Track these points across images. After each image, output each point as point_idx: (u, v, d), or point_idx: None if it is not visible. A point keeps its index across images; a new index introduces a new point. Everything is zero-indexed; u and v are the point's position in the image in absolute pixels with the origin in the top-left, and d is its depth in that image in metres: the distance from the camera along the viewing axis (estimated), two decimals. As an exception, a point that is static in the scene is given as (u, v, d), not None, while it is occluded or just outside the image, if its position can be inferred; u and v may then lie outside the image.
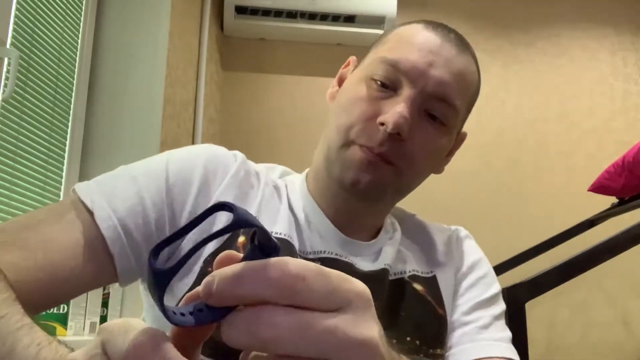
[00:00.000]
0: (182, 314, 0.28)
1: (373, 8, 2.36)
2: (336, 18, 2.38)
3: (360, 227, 0.68)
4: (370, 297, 0.30)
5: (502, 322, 0.68)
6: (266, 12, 2.36)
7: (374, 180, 0.61)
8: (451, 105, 0.62)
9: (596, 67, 2.76)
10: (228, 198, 0.62)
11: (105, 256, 0.56)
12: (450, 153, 0.71)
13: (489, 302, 0.68)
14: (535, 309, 2.25)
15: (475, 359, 0.62)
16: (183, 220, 0.60)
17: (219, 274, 0.27)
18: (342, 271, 0.62)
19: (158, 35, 1.68)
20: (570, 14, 2.81)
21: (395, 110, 0.59)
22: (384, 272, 0.65)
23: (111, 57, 1.66)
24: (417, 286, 0.67)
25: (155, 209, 0.58)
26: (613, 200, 1.92)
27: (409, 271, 0.68)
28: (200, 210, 0.57)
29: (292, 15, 2.37)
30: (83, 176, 1.56)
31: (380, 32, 2.42)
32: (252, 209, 0.63)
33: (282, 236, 0.62)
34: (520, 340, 1.10)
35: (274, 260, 0.27)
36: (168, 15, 1.69)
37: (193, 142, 1.99)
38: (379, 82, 0.62)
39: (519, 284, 1.16)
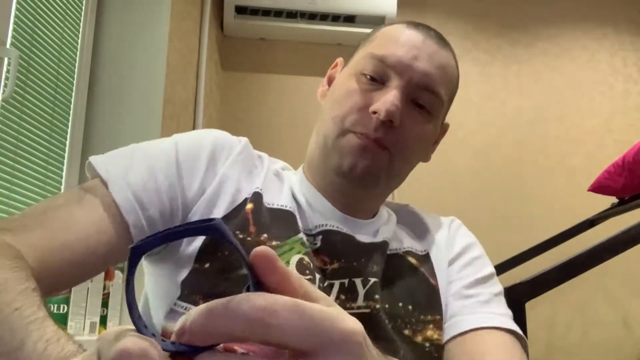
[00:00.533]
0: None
1: (373, 8, 2.36)
2: (336, 18, 2.38)
3: (357, 210, 0.71)
4: (362, 339, 0.26)
5: (502, 300, 0.71)
6: (266, 12, 2.36)
7: (370, 165, 0.65)
8: (436, 94, 0.68)
9: (596, 67, 2.76)
10: (234, 173, 0.67)
11: (122, 225, 0.59)
12: (436, 142, 0.77)
13: (486, 279, 0.71)
14: (535, 309, 2.25)
15: (477, 327, 0.64)
16: (191, 194, 0.65)
17: (192, 312, 0.26)
18: (344, 241, 0.61)
19: (158, 35, 1.68)
20: (570, 14, 2.81)
21: (387, 98, 0.64)
22: (384, 243, 0.69)
23: (111, 57, 1.66)
24: (412, 259, 0.72)
25: (167, 184, 0.63)
26: (613, 200, 1.92)
27: (405, 248, 0.73)
28: (207, 185, 0.66)
29: (292, 15, 2.37)
30: (83, 176, 1.56)
31: (380, 32, 2.42)
32: (256, 183, 0.68)
33: (286, 208, 0.68)
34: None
35: (243, 295, 0.25)
36: (168, 15, 1.69)
37: (193, 142, 1.99)
38: (368, 77, 0.67)
39: (519, 284, 1.16)
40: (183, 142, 0.68)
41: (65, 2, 1.50)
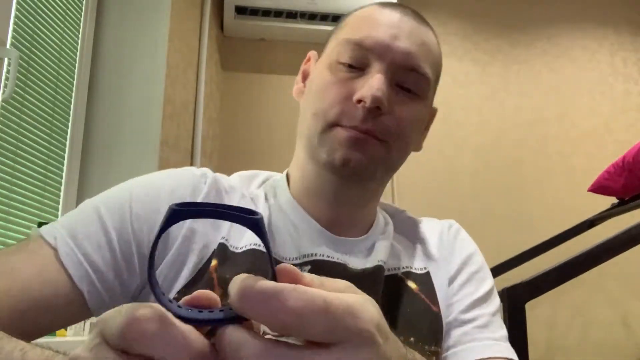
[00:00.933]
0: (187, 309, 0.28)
1: (373, 8, 2.36)
2: (336, 18, 2.38)
3: (351, 222, 0.66)
4: (376, 332, 0.28)
5: (499, 319, 0.67)
6: (266, 12, 2.36)
7: (365, 158, 0.60)
8: (422, 74, 0.62)
9: (596, 68, 2.76)
10: (199, 225, 0.60)
11: (74, 293, 0.54)
12: (425, 128, 0.71)
13: (484, 299, 0.68)
14: (535, 309, 2.25)
15: (478, 359, 0.62)
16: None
17: (245, 284, 0.26)
18: (334, 272, 0.54)
19: (158, 35, 1.68)
20: (570, 14, 2.81)
21: (371, 84, 0.58)
22: (378, 269, 0.64)
23: (111, 57, 1.66)
24: (411, 284, 0.66)
25: (121, 241, 0.57)
26: (613, 200, 1.92)
27: (403, 267, 0.67)
28: (170, 244, 0.58)
29: (292, 15, 2.38)
30: (83, 176, 1.56)
31: (380, 32, 2.42)
32: (222, 230, 0.61)
33: (256, 247, 0.60)
34: (520, 341, 1.10)
35: (277, 290, 0.26)
36: (168, 15, 1.69)
37: (193, 142, 1.99)
38: (346, 64, 0.61)
39: (519, 284, 1.15)
40: (138, 191, 0.60)
41: (65, 2, 1.50)
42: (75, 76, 1.57)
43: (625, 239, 1.24)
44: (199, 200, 0.61)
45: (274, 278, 0.28)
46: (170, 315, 0.26)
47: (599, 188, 1.87)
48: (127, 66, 1.66)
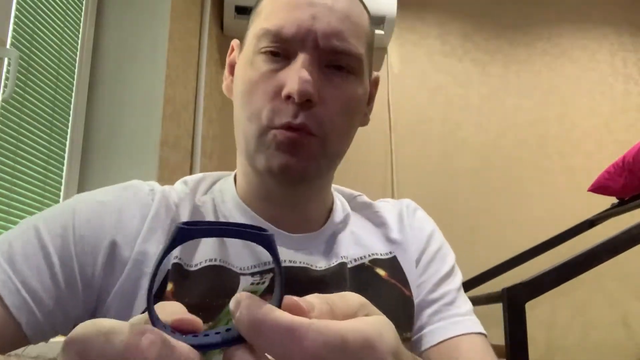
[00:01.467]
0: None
1: (373, 8, 2.34)
2: (336, 18, 2.37)
3: (304, 218, 0.64)
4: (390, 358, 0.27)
5: (462, 294, 0.68)
6: (266, 12, 2.35)
7: (303, 160, 0.56)
8: (350, 52, 0.58)
9: (596, 68, 2.76)
10: (151, 246, 0.56)
11: (9, 323, 0.49)
12: (370, 99, 0.67)
13: (448, 275, 0.68)
14: (535, 309, 2.25)
15: (447, 338, 0.62)
16: (96, 274, 0.54)
17: (254, 309, 0.25)
18: (297, 277, 0.52)
19: (158, 35, 1.68)
20: (570, 14, 2.81)
21: (297, 77, 0.54)
22: (341, 267, 0.62)
23: (111, 57, 1.66)
24: (380, 271, 0.65)
25: (62, 264, 0.52)
26: (613, 200, 1.92)
27: (369, 255, 0.65)
28: (118, 270, 0.54)
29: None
30: (83, 176, 1.56)
31: (380, 32, 2.42)
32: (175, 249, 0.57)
33: (210, 263, 0.57)
34: (520, 341, 1.10)
35: (293, 326, 0.25)
36: (168, 15, 1.69)
37: (193, 142, 1.99)
38: (268, 54, 0.58)
39: (519, 284, 1.15)
40: (82, 209, 0.56)
41: (65, 2, 1.50)
42: (75, 76, 1.57)
43: (625, 239, 1.24)
44: (149, 219, 0.57)
45: (280, 302, 0.27)
46: (171, 338, 0.25)
47: (599, 188, 1.87)
48: (127, 66, 1.66)
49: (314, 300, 0.28)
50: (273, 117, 0.56)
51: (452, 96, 2.59)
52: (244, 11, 2.35)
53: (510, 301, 1.13)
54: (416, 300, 0.65)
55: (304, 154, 0.56)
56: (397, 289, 0.64)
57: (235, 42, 0.67)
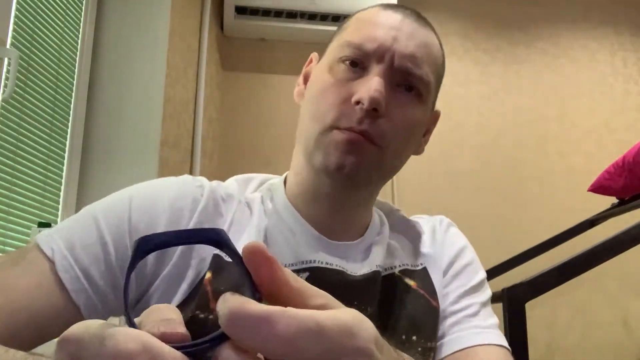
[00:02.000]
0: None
1: (373, 8, 2.36)
2: (336, 18, 2.38)
3: (346, 225, 0.66)
4: (375, 348, 0.27)
5: (489, 309, 0.68)
6: (266, 12, 2.36)
7: (359, 162, 0.59)
8: (422, 76, 0.62)
9: (596, 68, 2.76)
10: None
11: (70, 306, 0.54)
12: (427, 132, 0.71)
13: (475, 289, 0.68)
14: (535, 309, 2.25)
15: (465, 347, 0.62)
16: (148, 263, 0.58)
17: (232, 304, 0.25)
18: (332, 279, 0.53)
19: (158, 35, 1.68)
20: (570, 14, 2.81)
21: (369, 86, 0.58)
22: (375, 274, 0.64)
23: (111, 57, 1.66)
24: (409, 281, 0.66)
25: (118, 253, 0.56)
26: (613, 200, 1.92)
27: (399, 265, 0.67)
28: (167, 258, 0.58)
29: (292, 15, 2.38)
30: (83, 176, 1.56)
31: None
32: None
33: None
34: (520, 341, 1.10)
35: (265, 315, 0.25)
36: (168, 15, 1.69)
37: (193, 142, 1.99)
38: (347, 62, 0.62)
39: (519, 284, 1.15)
40: (138, 200, 0.60)
41: (65, 2, 1.50)
42: (75, 76, 1.57)
43: (625, 239, 1.24)
44: (197, 212, 0.61)
45: (254, 294, 0.27)
46: (163, 344, 0.25)
47: (599, 188, 1.87)
48: (127, 66, 1.66)
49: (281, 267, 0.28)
50: (339, 119, 0.60)
51: (452, 96, 2.59)
52: (244, 11, 2.35)
53: (511, 301, 1.13)
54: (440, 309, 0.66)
55: (361, 157, 0.59)
56: (424, 299, 0.65)
57: (314, 55, 0.71)
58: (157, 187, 0.63)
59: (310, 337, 0.25)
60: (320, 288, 0.28)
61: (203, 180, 0.66)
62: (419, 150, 0.70)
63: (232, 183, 0.69)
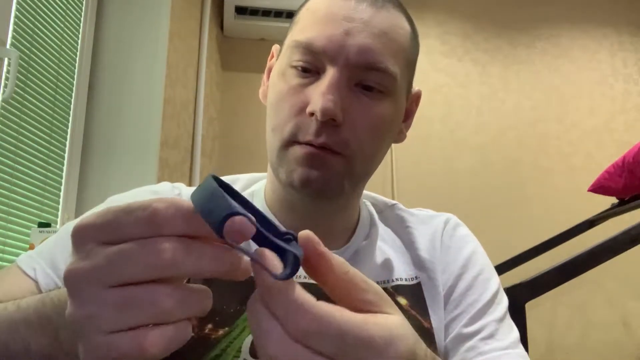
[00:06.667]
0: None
1: (373, 8, 2.36)
2: (336, 18, 2.37)
3: (328, 233, 0.61)
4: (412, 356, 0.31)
5: (507, 322, 0.63)
6: (266, 13, 2.36)
7: (324, 175, 0.55)
8: (383, 70, 0.56)
9: (596, 68, 2.76)
10: None
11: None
12: (408, 116, 0.65)
13: (489, 304, 0.62)
14: (535, 309, 2.25)
15: None
16: None
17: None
18: (316, 295, 0.58)
19: (158, 35, 1.68)
20: (570, 15, 2.81)
21: (321, 95, 0.53)
22: None
23: (111, 57, 1.66)
24: (401, 300, 0.61)
25: None
26: (613, 200, 1.92)
27: (393, 280, 0.62)
28: None
29: (292, 15, 2.37)
30: (83, 176, 1.56)
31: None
32: None
33: None
34: (520, 341, 1.10)
35: (298, 302, 0.29)
36: (168, 15, 1.69)
37: (193, 142, 1.99)
38: (299, 68, 0.57)
39: (519, 284, 1.16)
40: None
41: (65, 2, 1.50)
42: (75, 76, 1.57)
43: (625, 239, 1.24)
44: None
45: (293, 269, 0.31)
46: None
47: (599, 188, 1.87)
48: (127, 66, 1.66)
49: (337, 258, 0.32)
50: (296, 132, 0.55)
51: (452, 96, 2.59)
52: (244, 11, 2.35)
53: (511, 301, 1.12)
54: (452, 334, 0.61)
55: (325, 170, 0.55)
56: (416, 321, 0.61)
57: (275, 48, 0.67)
58: (134, 194, 0.61)
59: (357, 346, 0.29)
60: None
61: (181, 186, 0.64)
62: (399, 139, 0.65)
63: None
